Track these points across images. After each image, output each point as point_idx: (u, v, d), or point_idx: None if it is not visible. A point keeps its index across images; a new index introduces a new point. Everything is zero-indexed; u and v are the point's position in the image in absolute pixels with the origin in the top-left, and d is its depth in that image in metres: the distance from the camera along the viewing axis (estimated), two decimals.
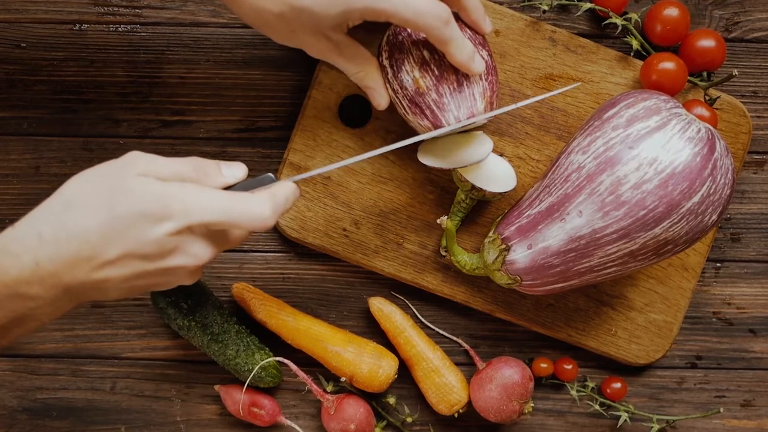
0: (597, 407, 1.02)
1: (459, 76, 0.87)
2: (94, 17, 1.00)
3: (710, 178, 0.81)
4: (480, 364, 1.01)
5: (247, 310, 1.00)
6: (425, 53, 0.88)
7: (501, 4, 0.98)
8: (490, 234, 0.93)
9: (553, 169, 0.89)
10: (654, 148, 0.81)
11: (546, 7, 0.98)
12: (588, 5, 0.98)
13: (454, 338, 1.03)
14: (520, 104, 0.91)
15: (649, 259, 0.86)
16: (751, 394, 1.05)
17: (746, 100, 1.01)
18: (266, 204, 0.77)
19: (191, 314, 0.97)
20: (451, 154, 0.93)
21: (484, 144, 0.94)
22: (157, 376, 1.03)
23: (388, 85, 0.90)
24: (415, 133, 0.93)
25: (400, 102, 0.90)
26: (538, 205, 0.88)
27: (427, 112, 0.88)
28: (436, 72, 0.87)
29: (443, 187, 0.99)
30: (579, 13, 0.99)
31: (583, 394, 1.03)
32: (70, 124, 1.01)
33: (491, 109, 0.90)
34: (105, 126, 1.01)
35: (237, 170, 0.80)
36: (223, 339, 0.97)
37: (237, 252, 1.02)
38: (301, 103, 0.99)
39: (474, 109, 0.88)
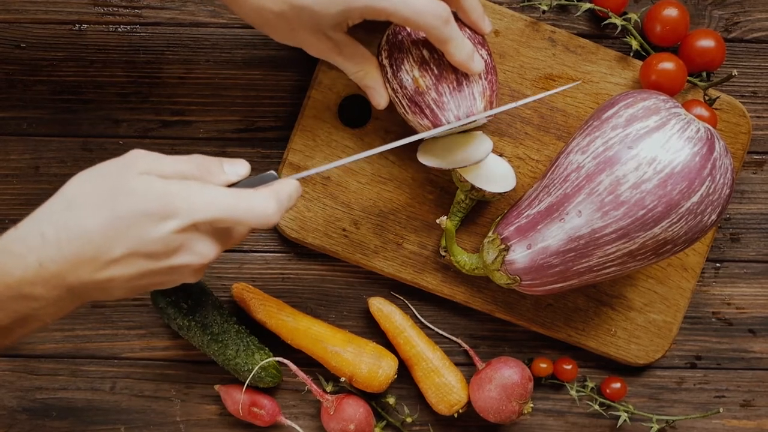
0: (596, 407, 1.02)
1: (458, 75, 0.87)
2: (94, 17, 1.00)
3: (709, 178, 0.81)
4: (479, 365, 1.01)
5: (247, 310, 1.01)
6: (425, 52, 0.88)
7: (500, 4, 0.98)
8: (490, 234, 0.93)
9: (553, 169, 0.89)
10: (653, 148, 0.81)
11: (545, 8, 0.98)
12: (587, 5, 0.98)
13: (454, 338, 1.03)
14: (519, 102, 0.91)
15: (648, 259, 0.86)
16: (750, 394, 1.05)
17: (746, 101, 1.01)
18: (270, 201, 0.77)
19: (191, 314, 0.97)
20: (451, 154, 0.93)
21: (483, 144, 0.94)
22: (156, 376, 1.03)
23: (387, 85, 0.90)
24: (415, 133, 0.93)
25: (400, 101, 0.90)
26: (538, 205, 0.88)
27: (427, 112, 0.89)
28: (436, 71, 0.87)
29: (443, 188, 0.99)
30: (578, 14, 0.99)
31: (583, 394, 1.03)
32: (70, 125, 1.01)
33: (491, 108, 0.90)
34: (105, 126, 1.01)
35: (240, 167, 0.80)
36: (222, 339, 0.97)
37: (237, 252, 1.02)
38: (300, 103, 0.99)
39: (474, 108, 0.88)
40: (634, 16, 0.97)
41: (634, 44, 0.97)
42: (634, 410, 1.02)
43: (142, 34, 1.00)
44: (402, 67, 0.88)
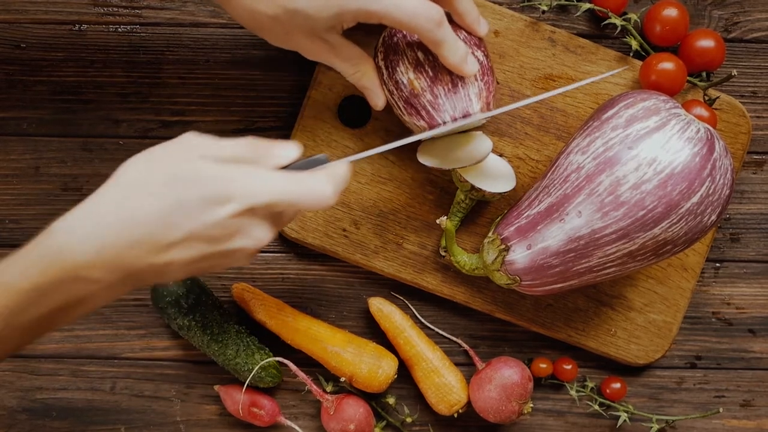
0: (596, 407, 1.02)
1: (454, 77, 0.87)
2: (94, 18, 1.00)
3: (709, 179, 0.81)
4: (479, 365, 1.01)
5: (247, 310, 1.01)
6: (419, 54, 0.88)
7: (500, 4, 0.98)
8: (490, 234, 0.93)
9: (553, 169, 0.89)
10: (653, 149, 0.81)
11: (545, 8, 0.98)
12: (587, 6, 0.98)
13: (454, 338, 1.03)
14: (515, 105, 0.91)
15: (648, 260, 0.86)
16: (750, 394, 1.05)
17: (745, 101, 1.01)
18: (328, 183, 0.77)
19: (191, 314, 0.97)
20: (451, 154, 0.93)
21: (483, 144, 0.94)
22: (156, 376, 1.03)
23: (384, 86, 0.90)
24: (412, 134, 0.93)
25: (396, 103, 0.90)
26: (538, 205, 0.88)
27: (423, 113, 0.89)
28: (431, 73, 0.87)
29: (443, 188, 0.99)
30: (578, 14, 0.99)
31: (583, 394, 1.03)
32: (70, 125, 1.01)
33: (488, 110, 0.90)
34: (105, 126, 1.01)
35: (291, 150, 0.80)
36: (222, 339, 0.98)
37: None
38: (300, 104, 0.99)
39: (470, 109, 0.88)
40: (633, 17, 0.97)
41: (634, 44, 0.97)
42: (633, 410, 1.02)
43: (142, 34, 1.00)
44: (397, 69, 0.88)
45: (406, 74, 0.88)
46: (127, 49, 1.00)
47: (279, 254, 1.03)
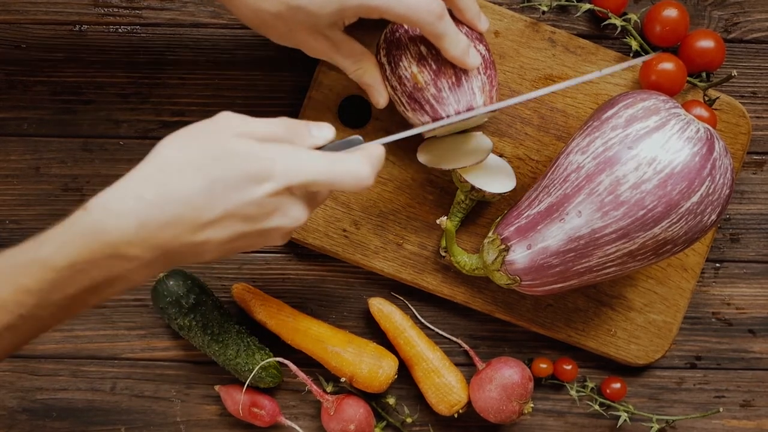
0: (596, 407, 1.02)
1: (457, 70, 0.87)
2: (94, 18, 1.00)
3: (709, 178, 0.81)
4: (480, 365, 1.01)
5: (247, 310, 1.01)
6: (422, 48, 0.87)
7: (500, 5, 0.98)
8: (490, 234, 0.93)
9: (553, 169, 0.89)
10: (653, 148, 0.81)
11: (545, 8, 0.98)
12: (587, 6, 0.98)
13: (454, 339, 1.03)
14: (521, 98, 0.91)
15: (648, 259, 0.86)
16: (750, 395, 1.05)
17: (745, 101, 1.01)
18: (365, 164, 0.78)
19: (191, 314, 0.97)
20: (451, 154, 0.93)
21: (483, 144, 0.94)
22: (157, 376, 1.03)
23: (386, 83, 0.90)
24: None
25: (399, 99, 0.90)
26: (538, 205, 0.88)
27: (427, 107, 0.88)
28: (434, 67, 0.87)
29: (443, 188, 0.99)
30: (578, 14, 0.99)
31: (583, 394, 1.03)
32: (70, 125, 1.01)
33: (491, 104, 0.90)
34: (105, 127, 1.01)
35: (327, 131, 0.81)
36: (223, 339, 0.98)
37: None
38: (300, 104, 0.99)
39: (473, 102, 0.88)
40: (633, 17, 0.97)
41: (634, 45, 0.97)
42: (634, 410, 1.02)
43: (142, 34, 1.00)
44: (400, 63, 0.88)
45: (410, 68, 0.88)
46: (128, 49, 1.00)
47: (279, 254, 1.03)
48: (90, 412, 1.03)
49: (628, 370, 1.04)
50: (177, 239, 0.73)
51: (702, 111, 0.93)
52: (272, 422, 1.01)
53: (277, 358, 0.98)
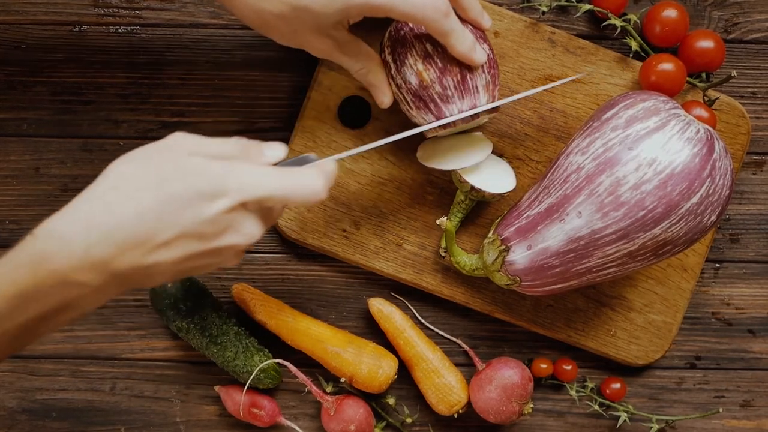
0: (596, 407, 1.02)
1: (462, 68, 0.87)
2: (94, 19, 1.00)
3: (709, 179, 0.81)
4: (479, 365, 1.01)
5: (247, 310, 1.01)
6: (428, 46, 0.87)
7: (500, 5, 0.98)
8: (490, 235, 0.93)
9: (553, 170, 0.89)
10: (653, 149, 0.81)
11: (545, 9, 0.98)
12: (587, 6, 0.98)
13: (454, 339, 1.03)
14: (525, 93, 0.91)
15: (648, 260, 0.86)
16: (750, 395, 1.05)
17: (745, 101, 1.01)
18: (318, 177, 0.78)
19: (190, 316, 0.97)
20: (451, 155, 0.93)
21: (483, 145, 0.94)
22: (156, 376, 1.03)
23: (391, 81, 0.90)
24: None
25: (404, 97, 0.90)
26: (538, 206, 0.88)
27: (431, 106, 0.88)
28: (440, 64, 0.87)
29: (443, 188, 0.99)
30: (578, 15, 0.99)
31: (583, 394, 1.03)
32: (70, 125, 1.01)
33: (494, 101, 0.90)
34: (105, 127, 1.01)
35: (278, 150, 0.81)
36: (221, 341, 0.98)
37: None
38: (300, 104, 0.99)
39: (477, 101, 0.88)
40: (633, 17, 0.97)
41: (634, 45, 0.97)
42: (633, 410, 1.02)
43: (142, 35, 1.00)
44: (405, 61, 0.88)
45: (415, 66, 0.88)
46: (127, 50, 1.00)
47: (279, 255, 1.03)
48: (90, 412, 1.03)
49: (628, 371, 1.04)
50: (127, 263, 0.71)
51: (702, 111, 0.93)
52: (272, 422, 1.01)
53: (277, 360, 0.98)
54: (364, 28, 0.91)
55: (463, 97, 0.88)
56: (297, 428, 1.01)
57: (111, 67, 1.00)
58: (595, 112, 0.89)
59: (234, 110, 1.01)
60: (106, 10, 1.00)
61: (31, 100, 1.00)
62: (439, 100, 0.88)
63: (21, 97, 1.00)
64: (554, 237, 0.86)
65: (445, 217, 0.93)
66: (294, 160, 0.81)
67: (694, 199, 0.81)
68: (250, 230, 0.76)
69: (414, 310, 1.03)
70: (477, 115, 0.89)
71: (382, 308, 1.00)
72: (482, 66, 0.88)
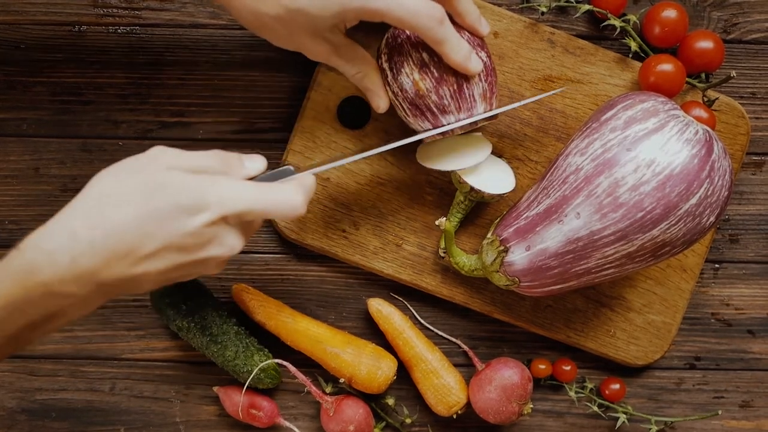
0: (596, 408, 1.02)
1: (459, 78, 0.87)
2: (94, 19, 1.00)
3: (708, 180, 0.81)
4: (479, 365, 1.01)
5: (246, 311, 1.01)
6: (424, 55, 0.87)
7: (499, 5, 0.98)
8: (489, 235, 0.93)
9: (552, 170, 0.89)
10: (652, 150, 0.81)
11: (544, 9, 0.98)
12: (586, 7, 0.98)
13: (453, 339, 1.03)
14: (522, 102, 0.91)
15: (646, 261, 0.86)
16: (749, 395, 1.05)
17: (744, 102, 1.01)
18: (298, 192, 0.80)
19: (190, 315, 0.97)
20: (450, 156, 0.93)
21: (482, 146, 0.94)
22: (156, 377, 1.03)
23: (387, 88, 0.90)
24: (415, 134, 0.93)
25: (401, 104, 0.90)
26: (537, 206, 0.88)
27: (428, 115, 0.88)
28: (436, 74, 0.87)
29: (442, 189, 0.99)
30: (577, 15, 0.99)
31: (582, 395, 1.03)
32: (70, 126, 1.01)
33: (491, 110, 0.90)
34: (104, 127, 1.01)
35: (258, 163, 0.83)
36: (222, 340, 0.98)
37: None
38: (300, 105, 0.99)
39: (474, 110, 0.88)
40: (633, 18, 0.97)
41: (633, 45, 0.97)
42: (633, 411, 1.02)
43: (141, 35, 1.00)
44: (402, 70, 0.88)
45: (411, 75, 0.88)
46: (127, 50, 1.00)
47: (278, 255, 1.03)
48: (89, 412, 1.03)
49: (627, 371, 1.04)
50: (112, 273, 0.73)
51: (701, 112, 0.93)
52: (271, 423, 1.01)
53: (276, 360, 0.98)
54: (361, 32, 0.91)
55: (459, 107, 0.88)
56: (296, 429, 1.01)
57: (110, 68, 1.00)
58: (594, 112, 0.89)
59: (233, 110, 1.01)
60: (105, 10, 1.00)
61: (30, 101, 1.00)
62: (435, 110, 0.88)
63: (20, 97, 1.00)
64: (553, 238, 0.86)
65: (445, 218, 0.93)
66: (273, 173, 0.83)
67: (693, 200, 0.81)
68: (231, 243, 0.78)
69: (413, 311, 1.03)
70: (475, 123, 0.89)
71: (382, 309, 1.00)
72: (479, 74, 0.88)
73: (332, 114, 0.98)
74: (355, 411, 0.98)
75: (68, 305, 0.73)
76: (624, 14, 0.99)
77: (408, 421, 1.02)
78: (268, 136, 1.01)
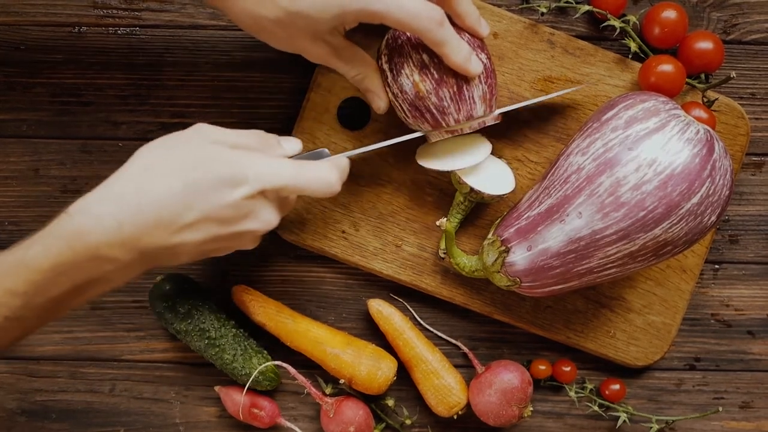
0: (596, 409, 1.02)
1: (459, 79, 0.87)
2: (93, 20, 1.00)
3: (709, 179, 0.81)
4: (479, 368, 1.01)
5: (246, 312, 1.00)
6: (425, 57, 0.87)
7: (499, 6, 0.98)
8: (489, 236, 0.93)
9: (553, 170, 0.89)
10: (653, 149, 0.81)
11: (544, 10, 0.98)
12: (586, 8, 0.98)
13: (453, 340, 1.03)
14: (523, 104, 0.91)
15: (648, 261, 0.86)
16: (749, 396, 1.05)
17: (744, 102, 1.01)
18: (333, 171, 0.83)
19: (188, 318, 0.97)
20: (450, 156, 0.93)
21: (482, 146, 0.94)
22: (156, 378, 1.03)
23: (387, 89, 0.90)
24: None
25: (400, 106, 0.90)
26: (538, 206, 0.88)
27: (428, 116, 0.89)
28: (436, 76, 0.87)
29: (442, 189, 0.99)
30: (577, 16, 0.99)
31: (582, 395, 1.03)
32: (69, 127, 1.01)
33: (491, 112, 0.90)
34: (104, 128, 1.01)
35: (295, 144, 0.88)
36: (220, 343, 0.97)
37: (236, 254, 1.02)
38: (299, 106, 0.99)
39: (474, 112, 0.89)
40: (632, 18, 0.97)
41: (633, 46, 0.97)
42: (633, 412, 1.02)
43: (141, 36, 1.00)
44: (402, 71, 0.88)
45: (411, 77, 0.88)
46: (127, 51, 1.00)
47: (278, 256, 1.03)
48: (89, 413, 1.03)
49: (627, 372, 1.04)
50: (155, 240, 0.76)
51: (701, 112, 0.93)
52: (272, 424, 1.01)
53: (275, 362, 0.98)
54: (360, 34, 0.91)
55: (459, 109, 0.88)
56: (297, 429, 1.01)
57: (110, 69, 1.00)
58: (595, 113, 0.89)
59: (233, 111, 1.01)
60: (105, 11, 1.00)
61: (30, 102, 1.00)
62: (435, 111, 0.88)
63: (20, 98, 1.00)
64: (554, 238, 0.86)
65: (445, 219, 0.93)
66: (309, 154, 0.89)
67: (695, 200, 0.81)
68: (267, 217, 0.81)
69: (413, 312, 1.03)
70: (483, 122, 0.89)
71: (382, 309, 1.00)
72: (479, 76, 0.88)
73: (332, 115, 0.98)
74: (355, 412, 0.98)
75: (111, 271, 0.76)
76: (624, 15, 0.99)
77: (408, 422, 1.02)
78: None
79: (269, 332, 1.01)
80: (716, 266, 1.03)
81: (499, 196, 0.93)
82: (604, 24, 0.97)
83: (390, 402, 1.02)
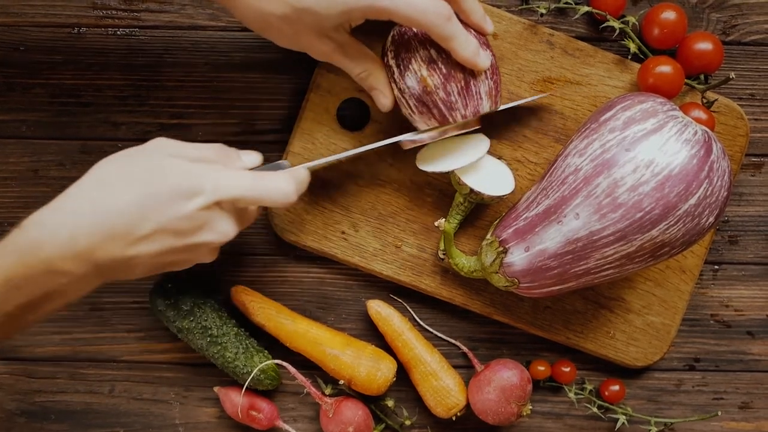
0: (595, 410, 1.02)
1: (466, 75, 0.87)
2: (93, 21, 1.00)
3: (707, 180, 0.81)
4: (478, 367, 1.01)
5: (246, 313, 1.01)
6: (432, 52, 0.87)
7: (499, 7, 0.98)
8: (488, 236, 0.93)
9: (551, 171, 0.89)
10: (651, 151, 0.81)
11: (543, 11, 0.98)
12: (585, 8, 0.98)
13: (452, 341, 1.03)
14: (523, 101, 0.91)
15: (646, 262, 0.86)
16: (749, 396, 1.05)
17: (743, 103, 1.01)
18: (289, 181, 0.83)
19: (190, 316, 0.97)
20: (450, 156, 0.93)
21: (480, 143, 0.94)
22: (155, 379, 1.03)
23: (393, 85, 0.90)
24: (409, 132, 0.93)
25: (407, 102, 0.90)
26: (536, 207, 0.88)
27: (435, 111, 0.88)
28: (444, 70, 0.87)
29: (441, 190, 0.99)
30: (576, 17, 0.99)
31: (581, 396, 1.03)
32: (69, 128, 1.01)
33: (495, 108, 0.90)
34: (103, 129, 1.01)
35: (254, 157, 0.88)
36: (222, 341, 0.98)
37: (236, 255, 1.03)
38: (299, 107, 0.99)
39: (480, 108, 0.89)
40: (632, 19, 0.97)
41: (632, 47, 0.97)
42: (632, 412, 1.02)
43: (140, 37, 1.00)
44: (409, 66, 0.88)
45: (419, 72, 0.88)
46: (126, 52, 1.00)
47: (277, 257, 1.03)
48: (88, 414, 1.03)
49: (627, 372, 1.04)
50: (108, 253, 0.76)
51: (700, 113, 0.93)
52: (270, 425, 1.01)
53: (276, 361, 0.98)
54: (365, 31, 0.91)
55: (467, 104, 0.88)
56: (295, 431, 1.01)
57: (110, 69, 1.00)
58: (593, 113, 0.89)
59: (233, 112, 1.01)
60: (104, 12, 1.00)
61: (29, 102, 1.00)
62: (442, 106, 0.88)
63: (20, 99, 1.00)
64: (552, 239, 0.86)
65: (444, 219, 0.93)
66: (268, 166, 0.89)
67: (692, 201, 0.81)
68: (224, 228, 0.81)
69: (413, 312, 1.03)
70: (479, 120, 0.89)
71: (381, 310, 1.00)
72: (485, 72, 0.88)
73: (331, 116, 0.98)
74: (354, 413, 0.98)
75: (65, 284, 0.75)
76: (623, 16, 0.99)
77: (407, 422, 1.02)
78: (268, 137, 1.01)
79: (269, 333, 1.01)
80: (716, 267, 1.03)
81: (498, 196, 0.93)
82: (603, 25, 0.97)
83: (389, 403, 1.02)
